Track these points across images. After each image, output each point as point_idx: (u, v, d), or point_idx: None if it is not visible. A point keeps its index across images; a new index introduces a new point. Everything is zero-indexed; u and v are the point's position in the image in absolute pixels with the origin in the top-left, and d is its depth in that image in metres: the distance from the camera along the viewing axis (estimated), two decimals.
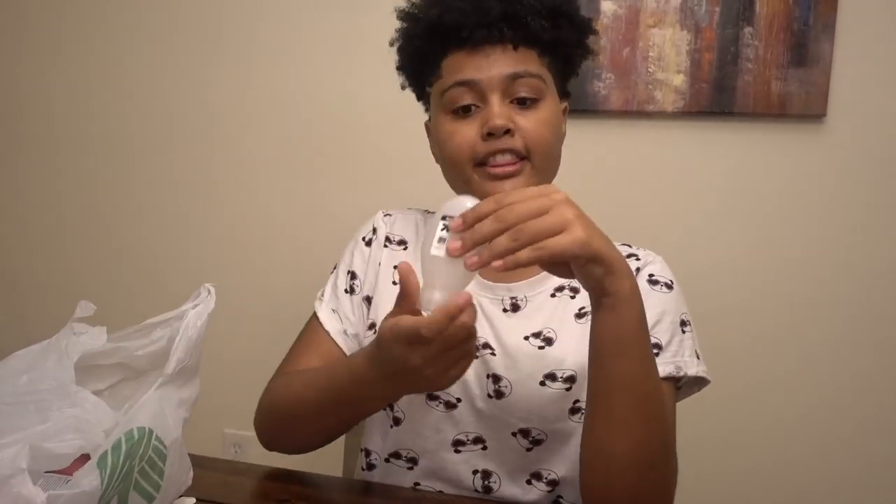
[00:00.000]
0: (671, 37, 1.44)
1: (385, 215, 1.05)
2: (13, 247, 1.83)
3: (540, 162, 0.90)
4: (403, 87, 1.00)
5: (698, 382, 0.91)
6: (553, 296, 0.95)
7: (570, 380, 0.89)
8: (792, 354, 1.46)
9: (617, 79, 1.46)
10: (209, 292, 0.82)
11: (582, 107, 1.47)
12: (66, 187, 1.79)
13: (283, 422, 0.90)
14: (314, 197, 1.63)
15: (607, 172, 1.50)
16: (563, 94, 0.99)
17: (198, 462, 0.84)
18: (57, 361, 0.76)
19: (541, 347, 0.91)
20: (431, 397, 0.93)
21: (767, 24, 1.40)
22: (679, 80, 1.44)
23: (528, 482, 0.91)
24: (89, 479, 0.64)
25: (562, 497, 0.92)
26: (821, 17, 1.38)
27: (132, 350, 0.82)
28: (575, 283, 0.93)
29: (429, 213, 1.07)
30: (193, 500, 0.80)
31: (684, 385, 0.90)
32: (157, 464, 0.72)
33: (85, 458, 0.66)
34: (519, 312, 0.94)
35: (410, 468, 0.95)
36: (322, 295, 1.02)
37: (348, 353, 0.98)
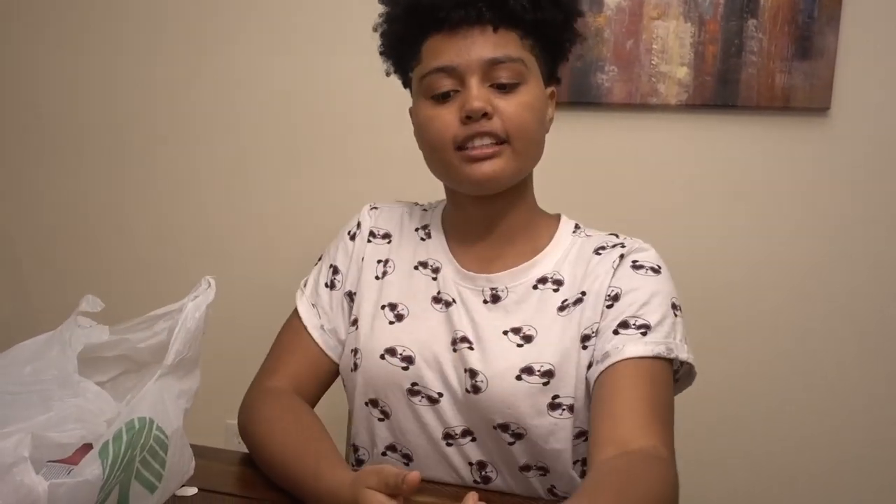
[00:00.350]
0: (675, 29, 1.44)
1: (371, 208, 1.05)
2: (21, 241, 1.85)
3: (521, 146, 0.88)
4: (388, 74, 0.99)
5: (687, 376, 0.90)
6: (535, 287, 0.93)
7: (548, 374, 0.88)
8: (796, 350, 1.45)
9: (620, 71, 1.46)
10: (209, 284, 0.83)
11: (585, 99, 1.47)
12: (70, 183, 1.80)
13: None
14: (317, 188, 1.64)
15: (610, 165, 1.50)
16: (552, 78, 0.97)
17: (200, 452, 0.85)
18: (60, 352, 0.77)
19: (519, 345, 0.90)
20: (413, 393, 0.92)
21: (772, 16, 1.40)
22: (682, 72, 1.44)
23: (521, 471, 0.91)
24: (91, 469, 0.64)
25: (555, 486, 0.92)
26: (825, 9, 1.37)
27: (134, 342, 0.83)
28: (559, 275, 0.93)
29: (417, 205, 1.06)
30: (195, 489, 0.81)
31: (682, 377, 0.90)
32: (159, 453, 0.73)
33: (87, 447, 0.67)
34: (499, 304, 0.93)
35: (406, 464, 0.95)
36: (304, 285, 1.03)
37: (325, 348, 0.98)
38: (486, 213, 0.95)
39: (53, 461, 0.67)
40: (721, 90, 1.42)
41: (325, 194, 1.63)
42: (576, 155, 1.50)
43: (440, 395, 0.92)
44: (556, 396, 0.88)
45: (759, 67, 1.40)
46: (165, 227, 1.76)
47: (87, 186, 1.79)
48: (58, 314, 0.84)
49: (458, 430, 0.92)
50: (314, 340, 0.98)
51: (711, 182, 1.46)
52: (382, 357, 0.93)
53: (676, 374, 0.89)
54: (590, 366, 0.88)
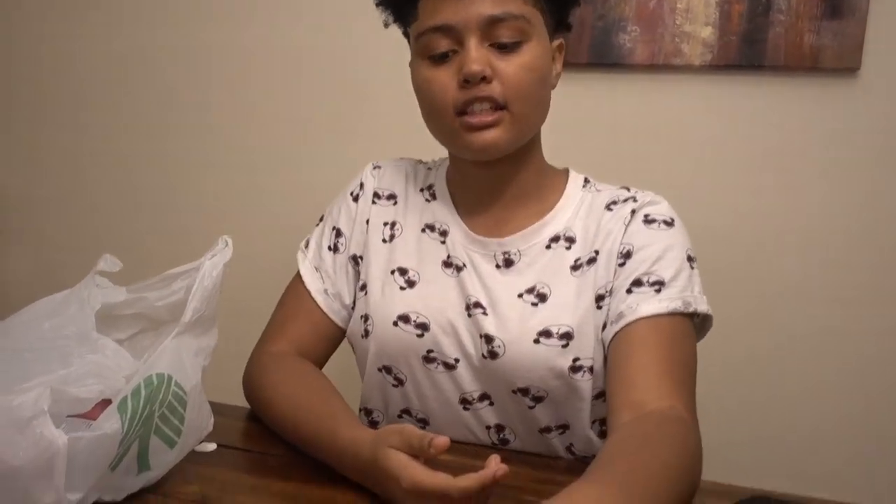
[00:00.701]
0: None
1: (374, 168, 1.02)
2: (40, 202, 1.86)
3: (520, 109, 0.84)
4: (387, 25, 0.94)
5: (703, 326, 0.88)
6: (548, 247, 0.91)
7: (567, 336, 0.86)
8: (819, 315, 1.43)
9: (643, 31, 1.43)
10: (226, 244, 0.83)
11: (607, 60, 1.44)
12: (90, 144, 1.80)
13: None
14: (335, 148, 1.62)
15: (633, 127, 1.47)
16: (560, 27, 0.92)
17: (219, 410, 0.86)
18: (78, 310, 0.77)
19: (534, 304, 0.88)
20: (428, 360, 0.91)
21: None
22: (707, 32, 1.40)
23: (541, 432, 0.91)
24: (110, 423, 0.65)
25: (573, 444, 0.92)
26: None
27: (152, 301, 0.83)
28: (571, 232, 0.91)
29: (421, 163, 1.04)
30: (214, 445, 0.82)
31: (696, 328, 0.87)
32: (178, 409, 0.74)
33: (105, 403, 0.68)
34: (512, 268, 0.91)
35: (422, 427, 0.93)
36: (306, 247, 1.01)
37: (328, 312, 0.97)
38: (492, 177, 0.92)
39: (73, 416, 0.68)
40: (747, 50, 1.39)
41: (347, 155, 1.61)
42: (596, 118, 1.48)
43: (456, 360, 0.91)
44: (576, 359, 0.86)
45: (786, 27, 1.36)
46: (186, 188, 1.75)
47: (105, 148, 1.79)
48: (77, 275, 0.84)
49: (476, 395, 0.91)
50: (317, 304, 0.97)
51: (736, 144, 1.43)
52: (395, 324, 0.92)
53: (693, 319, 0.86)
54: (604, 327, 0.86)
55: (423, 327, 0.91)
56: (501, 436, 0.92)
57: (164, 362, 0.73)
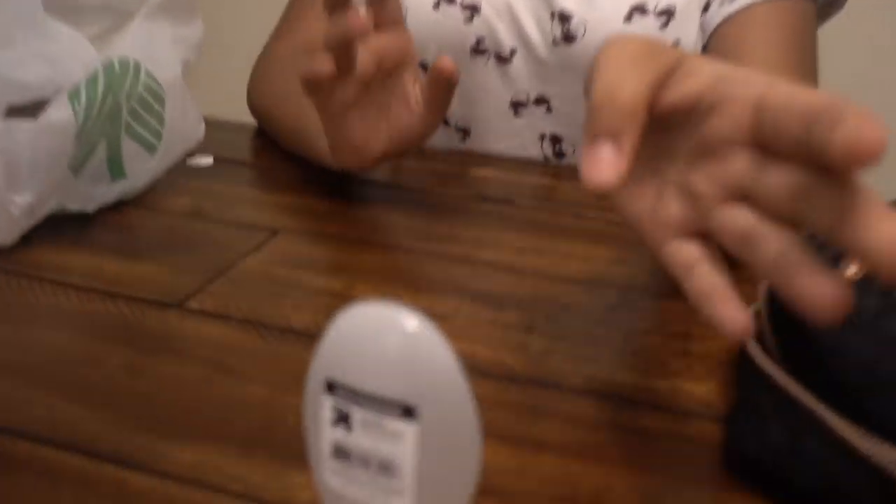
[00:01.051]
0: None
1: None
2: None
3: None
4: None
5: (830, 7, 0.72)
6: None
7: (667, 13, 0.70)
8: None
9: None
10: None
11: None
12: None
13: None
14: None
15: None
16: None
17: (220, 125, 0.73)
18: None
19: None
20: (477, 52, 0.75)
21: None
22: None
23: None
24: (59, 113, 0.52)
25: None
26: None
27: None
28: None
29: None
30: (211, 159, 0.69)
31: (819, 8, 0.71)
32: (153, 106, 0.60)
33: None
34: None
35: (462, 139, 0.80)
36: None
37: None
38: None
39: (16, 109, 0.55)
40: None
41: None
42: None
43: (512, 52, 0.75)
44: (676, 42, 0.71)
45: None
46: None
47: None
48: None
49: (532, 95, 0.76)
50: None
51: None
52: (437, 6, 0.75)
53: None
54: (706, 7, 0.70)
55: (472, 9, 0.74)
56: (557, 148, 0.77)
57: (128, 46, 0.59)
